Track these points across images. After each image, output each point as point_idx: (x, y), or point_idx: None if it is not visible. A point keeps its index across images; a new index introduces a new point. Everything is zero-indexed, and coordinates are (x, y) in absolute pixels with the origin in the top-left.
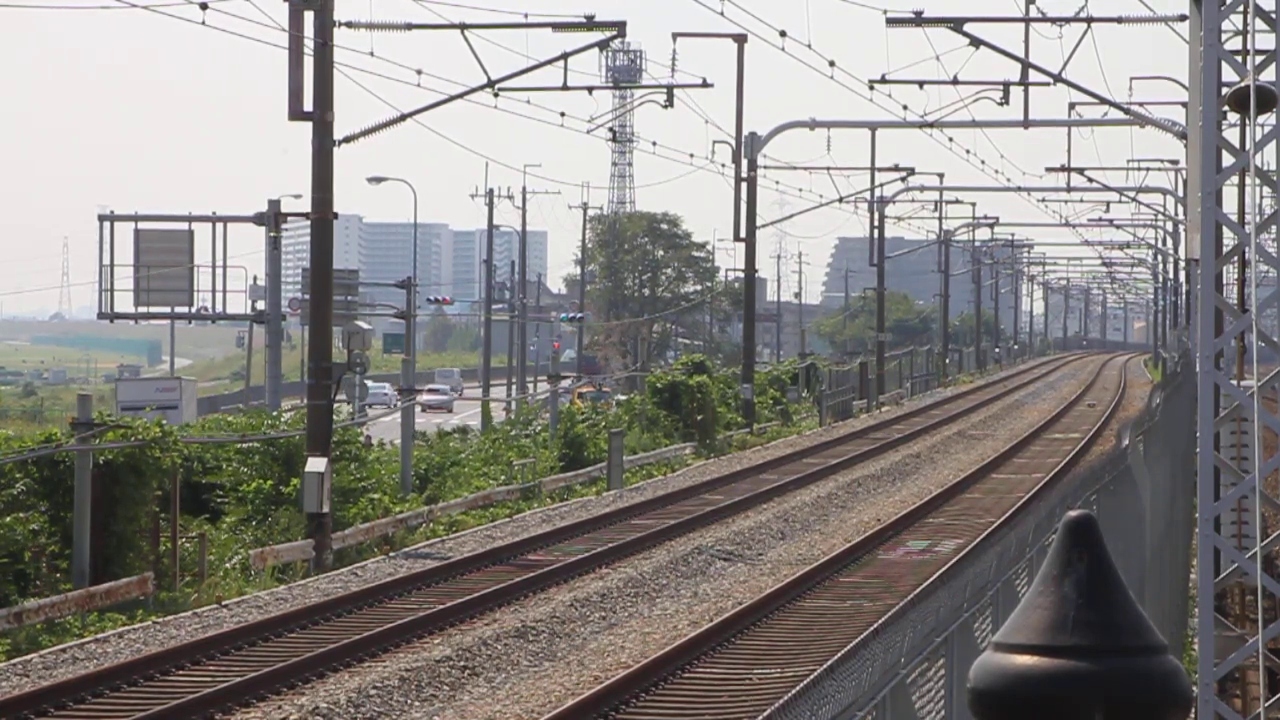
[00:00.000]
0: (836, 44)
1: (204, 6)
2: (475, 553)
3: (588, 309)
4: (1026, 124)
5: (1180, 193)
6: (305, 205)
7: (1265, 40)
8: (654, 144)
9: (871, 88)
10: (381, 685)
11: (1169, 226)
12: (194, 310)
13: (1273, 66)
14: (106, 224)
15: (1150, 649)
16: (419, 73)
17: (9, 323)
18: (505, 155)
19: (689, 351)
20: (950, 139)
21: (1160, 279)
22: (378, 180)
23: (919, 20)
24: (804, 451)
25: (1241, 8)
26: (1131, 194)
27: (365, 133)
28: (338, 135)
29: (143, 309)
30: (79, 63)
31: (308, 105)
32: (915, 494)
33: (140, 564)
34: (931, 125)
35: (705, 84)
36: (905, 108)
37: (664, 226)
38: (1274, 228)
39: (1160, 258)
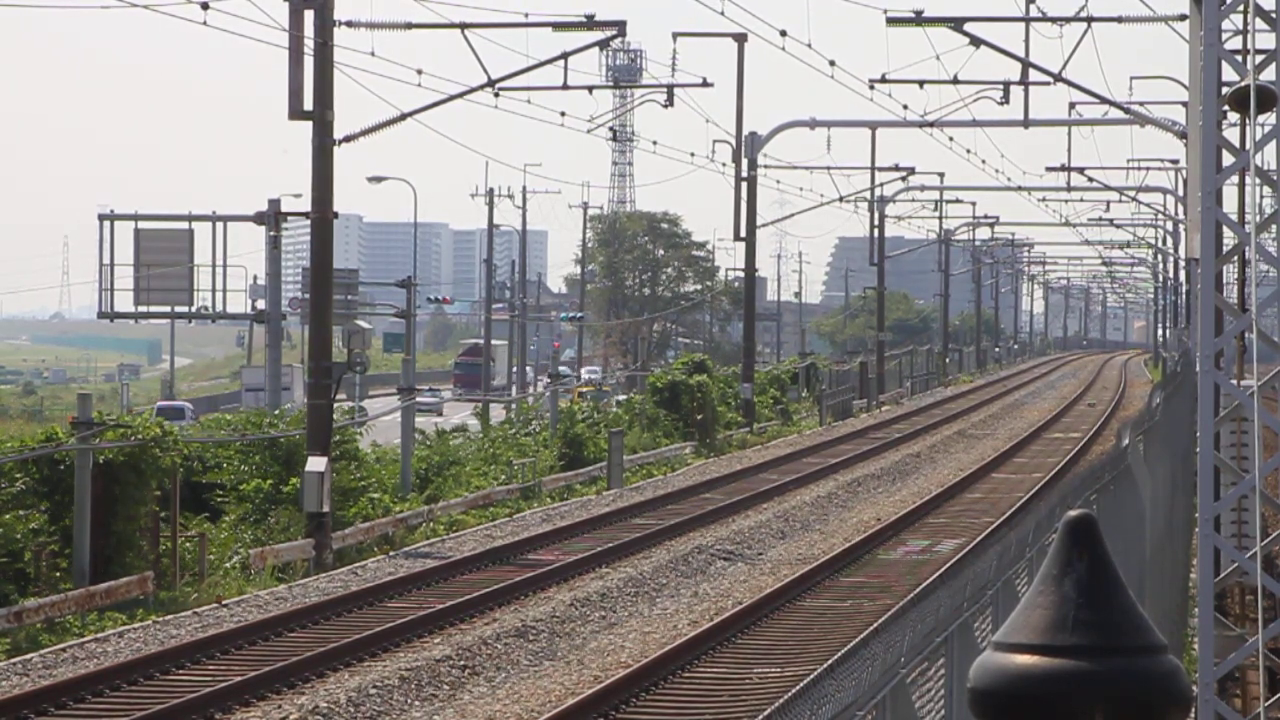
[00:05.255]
0: (837, 43)
1: (205, 6)
2: (475, 552)
3: (588, 308)
4: (1026, 123)
5: (1180, 192)
6: (305, 205)
7: (1265, 40)
8: (654, 143)
9: (872, 87)
10: (381, 685)
11: (1169, 226)
12: (194, 310)
13: (1273, 66)
14: (106, 223)
15: (1150, 649)
16: (419, 72)
17: (9, 322)
18: (505, 155)
19: (689, 351)
20: (950, 138)
21: (1160, 278)
22: (378, 180)
23: (919, 20)
24: (804, 451)
25: (1241, 8)
26: (1131, 193)
27: (365, 132)
28: (338, 134)
29: (143, 308)
30: (79, 62)
31: (308, 104)
32: (915, 493)
33: (140, 563)
34: (931, 125)
35: (705, 83)
36: (905, 107)
37: (664, 226)
38: (1274, 227)
39: (1160, 257)
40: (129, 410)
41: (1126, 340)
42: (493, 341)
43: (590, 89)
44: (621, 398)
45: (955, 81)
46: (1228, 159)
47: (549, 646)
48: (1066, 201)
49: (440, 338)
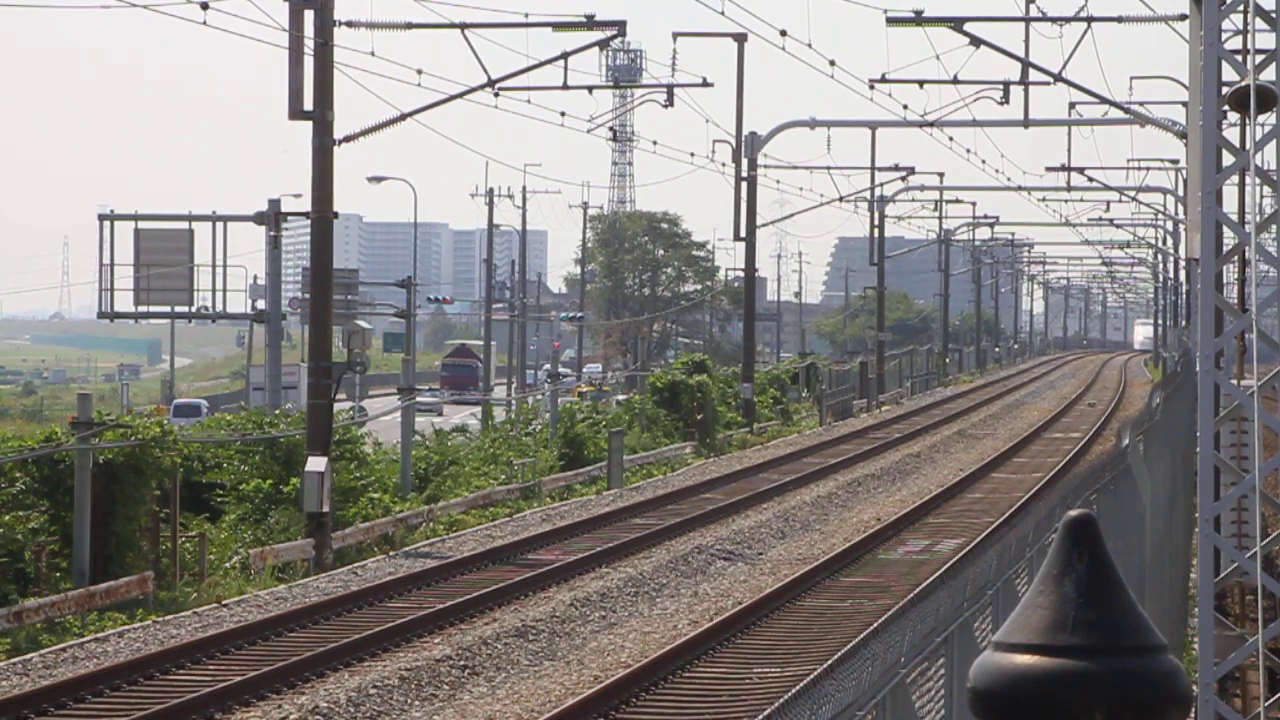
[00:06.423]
0: (837, 43)
1: (205, 6)
2: (475, 552)
3: (588, 308)
4: (1026, 123)
5: (1180, 192)
6: (305, 204)
7: (1265, 40)
8: (654, 143)
9: (872, 87)
10: (381, 684)
11: (1169, 226)
12: (194, 310)
13: (1273, 66)
14: (106, 223)
15: (1150, 649)
16: (419, 72)
17: (9, 322)
18: (505, 155)
19: (689, 351)
20: (950, 138)
21: (1160, 278)
22: (378, 180)
23: (919, 20)
24: (804, 451)
25: (1241, 8)
26: (1131, 193)
27: (365, 132)
28: (338, 134)
29: (143, 308)
30: (80, 62)
31: (308, 104)
32: (915, 493)
33: (140, 563)
34: (931, 125)
35: (705, 83)
36: (905, 107)
37: (664, 226)
38: (1274, 227)
39: (1160, 257)
40: (129, 410)
41: (1126, 340)
42: (479, 342)
43: (590, 89)
44: (621, 397)
45: (955, 81)
46: (1228, 159)
47: (549, 646)
48: (1066, 201)
49: (440, 338)
